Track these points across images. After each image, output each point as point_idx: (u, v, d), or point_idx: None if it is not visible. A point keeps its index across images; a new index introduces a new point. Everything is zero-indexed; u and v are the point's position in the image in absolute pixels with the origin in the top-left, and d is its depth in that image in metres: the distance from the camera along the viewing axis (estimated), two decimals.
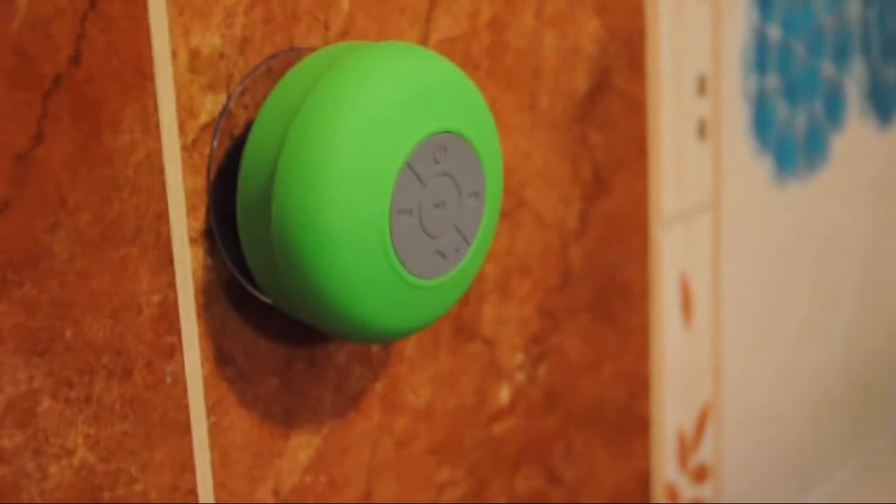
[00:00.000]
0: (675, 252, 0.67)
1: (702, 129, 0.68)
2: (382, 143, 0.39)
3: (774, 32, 0.73)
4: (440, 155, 0.41)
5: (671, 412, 0.68)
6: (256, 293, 0.43)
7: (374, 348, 0.49)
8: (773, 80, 0.73)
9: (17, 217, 0.37)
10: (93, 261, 0.39)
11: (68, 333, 0.38)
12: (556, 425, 0.60)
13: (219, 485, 0.44)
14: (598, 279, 0.61)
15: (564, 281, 0.59)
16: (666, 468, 0.69)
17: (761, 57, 0.72)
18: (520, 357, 0.57)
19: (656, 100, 0.63)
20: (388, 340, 0.44)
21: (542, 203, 0.57)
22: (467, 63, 0.52)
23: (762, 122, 0.73)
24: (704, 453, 0.72)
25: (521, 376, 0.57)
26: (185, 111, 0.41)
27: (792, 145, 0.76)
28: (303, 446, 0.47)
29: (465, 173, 0.43)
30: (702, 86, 0.67)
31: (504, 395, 0.56)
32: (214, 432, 0.43)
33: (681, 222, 0.67)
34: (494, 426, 0.56)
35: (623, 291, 0.63)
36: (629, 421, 0.65)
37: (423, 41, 0.49)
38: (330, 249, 0.39)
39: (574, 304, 0.60)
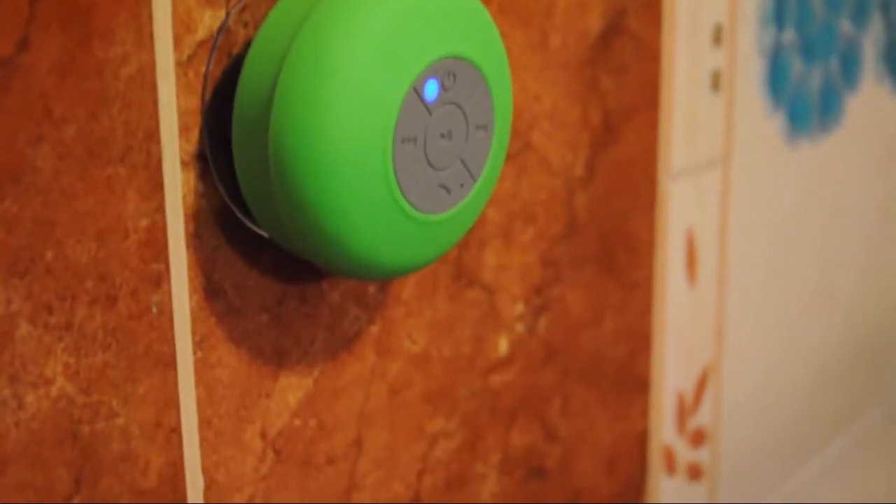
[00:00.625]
0: (682, 207, 0.65)
1: (715, 81, 0.65)
2: (388, 64, 0.37)
3: None
4: (448, 81, 0.39)
5: (671, 372, 0.67)
6: (249, 223, 0.41)
7: (371, 289, 0.47)
8: (789, 36, 0.71)
9: None
10: (78, 179, 0.36)
11: (49, 255, 0.36)
12: (553, 379, 0.58)
13: (204, 423, 0.42)
14: (603, 230, 0.59)
15: (569, 230, 0.57)
16: (664, 430, 0.67)
17: (779, 10, 0.69)
18: (520, 307, 0.55)
19: (671, 47, 0.61)
20: (386, 277, 0.41)
21: (549, 147, 0.55)
22: None
23: (777, 77, 0.70)
24: (703, 416, 0.70)
25: (520, 327, 0.55)
26: (182, 25, 0.38)
27: (806, 104, 0.74)
28: (293, 387, 0.45)
29: (473, 103, 0.40)
30: (717, 36, 0.65)
31: (503, 345, 0.54)
32: (201, 368, 0.41)
33: (690, 176, 0.65)
34: (491, 377, 0.54)
35: (628, 244, 0.61)
36: (628, 379, 0.63)
37: None
38: (328, 176, 0.37)
39: (578, 255, 0.58)
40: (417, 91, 0.38)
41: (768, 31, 0.69)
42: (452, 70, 0.39)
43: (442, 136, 0.39)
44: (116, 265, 0.38)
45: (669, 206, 0.64)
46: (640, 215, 0.61)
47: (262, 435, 0.44)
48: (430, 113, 0.39)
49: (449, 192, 0.40)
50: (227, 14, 0.40)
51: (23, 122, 0.35)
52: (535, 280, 0.55)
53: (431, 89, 0.38)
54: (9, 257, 0.35)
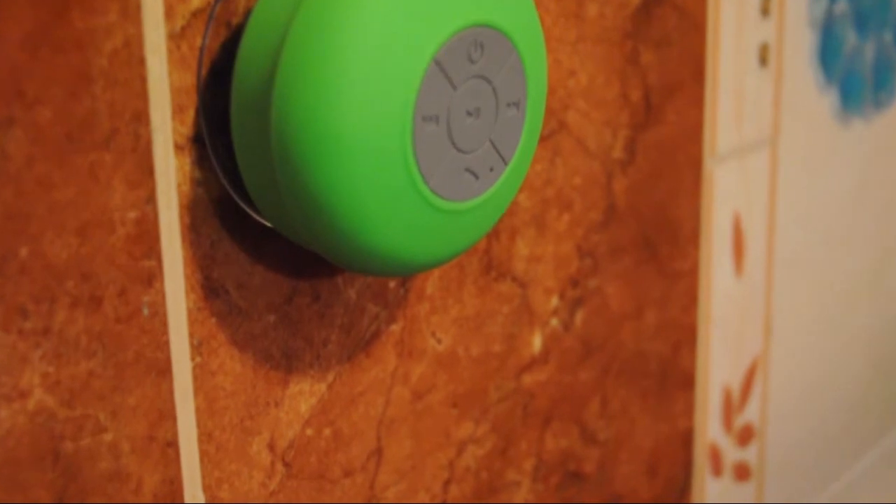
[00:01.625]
0: (729, 190, 0.60)
1: (763, 56, 0.60)
2: (407, 33, 0.33)
3: None
4: (475, 53, 0.35)
5: (717, 367, 0.62)
6: (253, 213, 0.37)
7: (391, 284, 0.43)
8: (841, 6, 0.66)
9: None
10: (56, 166, 0.32)
11: (24, 252, 0.32)
12: (592, 378, 0.53)
13: (204, 436, 0.37)
14: (644, 217, 0.54)
15: (607, 217, 0.52)
16: (709, 428, 0.62)
17: None
18: (555, 301, 0.50)
19: (716, 18, 0.56)
20: (405, 273, 0.37)
21: (586, 127, 0.50)
22: None
23: (828, 51, 0.65)
24: (750, 413, 0.66)
25: (555, 322, 0.51)
26: None
27: (859, 79, 0.69)
28: (304, 394, 0.40)
29: (504, 77, 0.36)
30: (766, 5, 0.60)
31: (536, 342, 0.50)
32: (200, 375, 0.37)
33: (737, 158, 0.60)
34: (524, 377, 0.50)
35: (671, 232, 0.56)
36: (672, 376, 0.59)
37: None
38: (339, 160, 0.33)
39: (617, 244, 0.53)
40: (440, 63, 0.34)
41: (819, 1, 0.64)
42: (480, 40, 0.35)
43: (468, 114, 0.35)
44: (101, 263, 0.34)
45: (715, 189, 0.59)
46: (683, 200, 0.57)
47: (271, 447, 0.40)
48: (454, 88, 0.34)
49: (477, 177, 0.36)
50: None
51: None
52: (571, 271, 0.51)
53: (456, 61, 0.34)
54: None
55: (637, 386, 0.56)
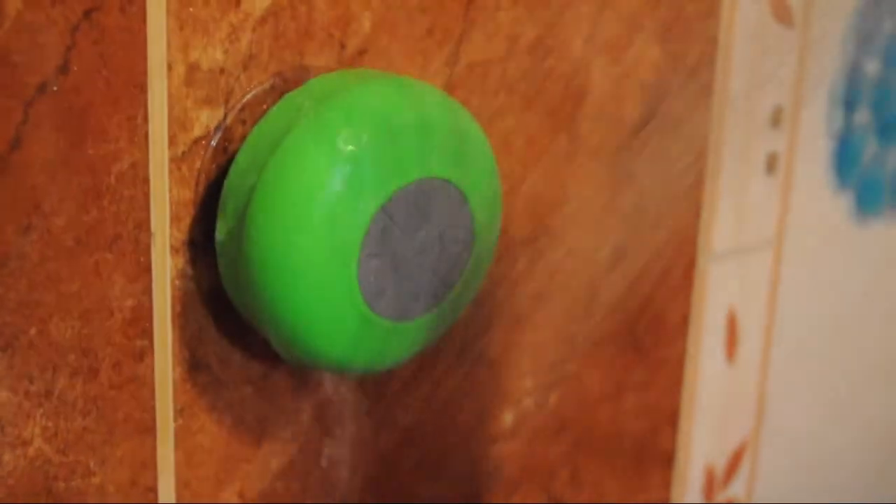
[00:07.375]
0: (724, 287, 0.65)
1: (771, 164, 0.65)
2: (357, 187, 0.39)
3: (872, 67, 0.69)
4: (423, 201, 0.41)
5: (700, 446, 0.67)
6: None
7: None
8: (863, 116, 0.70)
9: None
10: (64, 265, 0.40)
11: (33, 332, 0.40)
12: (563, 452, 0.59)
13: (181, 484, 0.45)
14: (629, 311, 0.60)
15: (589, 311, 0.58)
16: (688, 499, 0.67)
17: (852, 91, 0.68)
18: (529, 382, 0.56)
19: (719, 131, 0.61)
20: (360, 375, 0.44)
21: (571, 232, 0.56)
22: (501, 87, 0.51)
23: (844, 159, 0.69)
24: (735, 489, 0.70)
25: (528, 402, 0.57)
26: (177, 124, 0.41)
27: (877, 186, 0.72)
28: (276, 453, 0.47)
29: (451, 220, 0.42)
30: (776, 118, 0.64)
31: (507, 419, 0.56)
32: (181, 434, 0.44)
33: (736, 257, 0.65)
34: (493, 448, 0.56)
35: (656, 324, 0.62)
36: (649, 454, 0.64)
37: (452, 63, 0.49)
38: (295, 287, 0.39)
39: (598, 335, 0.59)
40: (387, 210, 0.40)
41: (837, 112, 0.68)
42: (429, 190, 0.41)
43: (415, 251, 0.41)
44: (100, 341, 0.41)
45: (708, 286, 0.64)
46: (673, 296, 0.62)
47: (241, 495, 0.47)
48: (401, 232, 0.41)
49: (419, 300, 0.42)
50: (226, 114, 0.42)
51: (11, 213, 0.38)
52: (548, 357, 0.57)
53: (404, 209, 0.40)
54: None
55: (610, 462, 0.62)
